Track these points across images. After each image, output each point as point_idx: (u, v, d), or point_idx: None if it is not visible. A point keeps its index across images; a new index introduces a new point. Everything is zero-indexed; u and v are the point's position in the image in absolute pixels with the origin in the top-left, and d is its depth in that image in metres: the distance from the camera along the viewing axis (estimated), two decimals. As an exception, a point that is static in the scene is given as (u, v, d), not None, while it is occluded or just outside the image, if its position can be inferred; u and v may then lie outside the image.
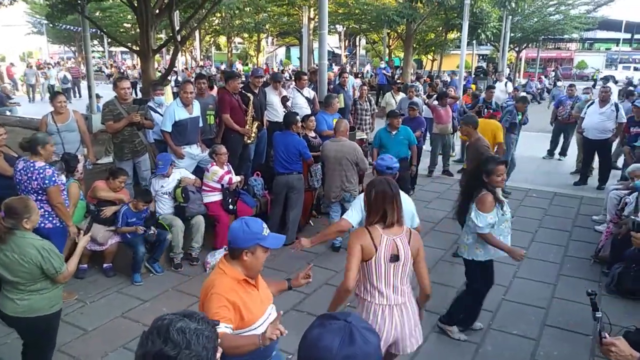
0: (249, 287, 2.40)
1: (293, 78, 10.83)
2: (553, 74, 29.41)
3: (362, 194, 3.14)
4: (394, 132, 6.80)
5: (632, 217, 3.46)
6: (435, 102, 9.46)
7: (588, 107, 8.84)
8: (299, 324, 4.39)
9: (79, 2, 9.42)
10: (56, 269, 3.16)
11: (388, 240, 2.81)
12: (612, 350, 2.13)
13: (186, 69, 23.64)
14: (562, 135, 10.52)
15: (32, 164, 4.28)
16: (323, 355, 1.30)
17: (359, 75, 21.46)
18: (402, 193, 3.72)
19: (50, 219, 4.40)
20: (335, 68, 24.09)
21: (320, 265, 5.51)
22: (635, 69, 38.35)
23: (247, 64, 32.82)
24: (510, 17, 20.54)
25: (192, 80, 7.77)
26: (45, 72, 22.65)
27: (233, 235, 2.36)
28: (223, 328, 2.16)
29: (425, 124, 8.68)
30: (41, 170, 4.27)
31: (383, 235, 2.82)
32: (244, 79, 13.11)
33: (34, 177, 4.25)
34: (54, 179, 4.29)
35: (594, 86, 23.58)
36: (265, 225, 2.40)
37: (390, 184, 2.91)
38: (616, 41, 50.80)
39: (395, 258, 2.82)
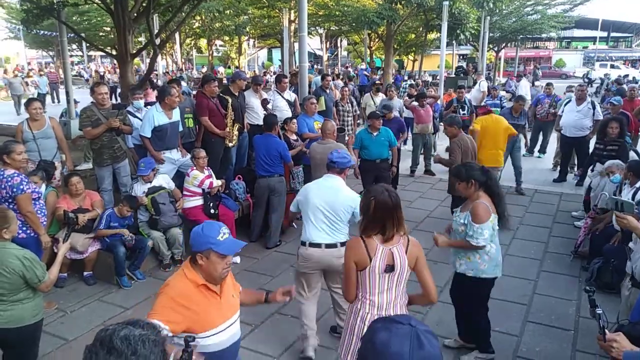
0: (209, 292, 2.37)
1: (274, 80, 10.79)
2: (538, 72, 29.44)
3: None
4: (375, 133, 6.83)
5: (614, 197, 3.43)
6: (415, 103, 9.53)
7: (565, 105, 8.98)
8: (282, 328, 4.40)
9: (55, 7, 9.27)
10: (39, 278, 3.13)
11: (384, 251, 2.70)
12: (614, 346, 2.13)
13: (167, 72, 23.40)
14: (541, 133, 10.66)
15: (1, 172, 4.23)
16: None
17: (341, 77, 21.53)
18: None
19: (24, 228, 4.33)
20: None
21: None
22: (612, 66, 39.06)
23: (229, 67, 32.65)
24: (489, 17, 20.77)
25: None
26: (34, 80, 21.19)
27: (191, 238, 2.39)
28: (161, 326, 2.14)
29: (404, 124, 8.74)
30: (9, 179, 4.22)
31: (379, 246, 2.70)
32: (225, 82, 13.05)
33: (2, 186, 4.21)
34: (21, 187, 4.22)
35: (590, 84, 23.88)
36: (225, 231, 2.37)
37: (390, 193, 2.73)
38: (593, 39, 51.74)
39: (390, 268, 2.70)
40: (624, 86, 14.54)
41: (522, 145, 8.32)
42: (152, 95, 8.15)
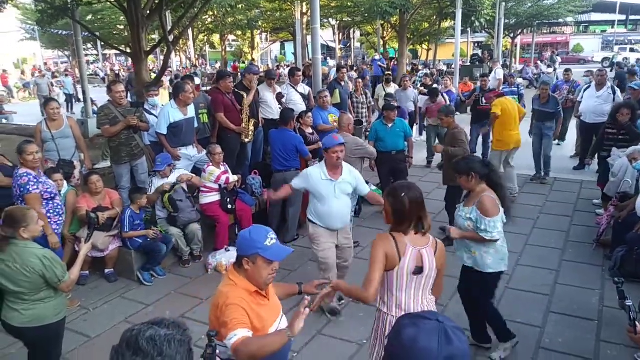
0: (261, 298, 2.37)
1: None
2: (556, 58, 28.58)
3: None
4: (390, 125, 6.77)
5: None
6: (426, 97, 9.54)
7: (585, 90, 8.80)
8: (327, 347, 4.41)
9: (69, 7, 9.35)
10: (59, 278, 3.15)
11: (413, 251, 2.63)
12: None
13: (183, 68, 23.53)
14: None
15: (16, 171, 4.31)
16: (425, 357, 1.28)
17: (355, 69, 21.40)
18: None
19: None
20: (331, 62, 24.01)
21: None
22: (632, 50, 38.19)
23: (243, 62, 32.70)
24: (504, 3, 20.45)
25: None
26: (60, 80, 21.11)
27: (237, 241, 2.38)
28: (245, 333, 2.17)
29: (405, 113, 8.74)
30: (19, 178, 4.30)
31: (409, 246, 2.63)
32: (239, 77, 13.05)
33: (14, 185, 4.30)
34: (28, 187, 4.28)
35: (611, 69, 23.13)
36: (272, 236, 2.33)
37: (417, 188, 2.71)
38: (611, 23, 50.56)
39: (419, 270, 2.64)
40: (625, 69, 14.13)
41: (551, 134, 8.14)
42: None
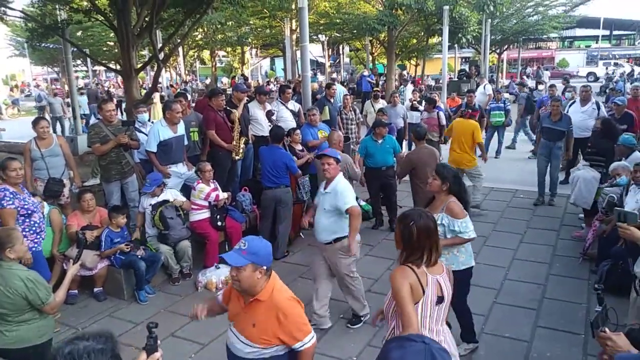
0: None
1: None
2: (542, 73, 28.94)
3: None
4: (379, 141, 6.85)
5: (617, 209, 3.45)
6: (421, 108, 9.60)
7: (570, 106, 8.97)
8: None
9: (60, 26, 9.38)
10: (42, 300, 3.12)
11: (433, 280, 2.56)
12: (608, 344, 2.17)
13: (172, 85, 23.54)
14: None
15: None
16: None
17: (344, 84, 21.57)
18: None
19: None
20: (321, 77, 24.19)
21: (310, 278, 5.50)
22: (616, 64, 38.91)
23: (234, 77, 32.82)
24: (490, 20, 20.80)
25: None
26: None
27: (264, 255, 2.53)
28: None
29: (394, 129, 8.84)
30: None
31: (429, 275, 2.55)
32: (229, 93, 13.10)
33: None
34: (3, 202, 4.28)
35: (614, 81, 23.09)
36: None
37: (429, 216, 2.63)
38: (595, 38, 51.58)
39: (440, 300, 2.56)
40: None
41: (560, 154, 7.76)
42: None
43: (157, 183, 5.67)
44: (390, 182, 6.93)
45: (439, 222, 3.68)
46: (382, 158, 6.85)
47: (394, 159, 7.02)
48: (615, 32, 54.80)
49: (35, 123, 5.87)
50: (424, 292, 2.51)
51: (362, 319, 4.61)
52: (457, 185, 3.78)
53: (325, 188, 4.45)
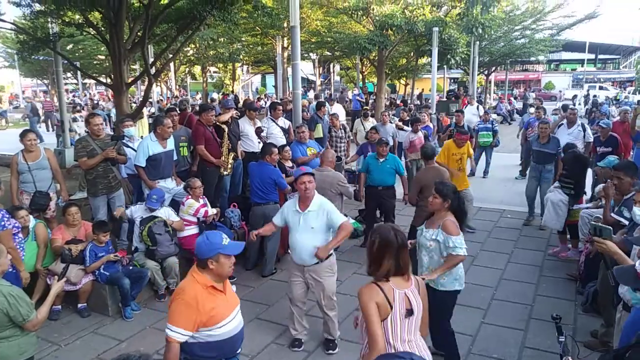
0: (216, 291, 2.81)
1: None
2: (528, 95, 29.13)
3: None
4: (381, 160, 6.84)
5: (592, 223, 3.47)
6: (408, 128, 9.66)
7: (558, 128, 9.11)
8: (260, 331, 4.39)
9: (51, 38, 9.38)
10: (23, 317, 3.06)
11: (400, 295, 2.60)
12: None
13: (161, 100, 23.48)
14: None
15: None
16: None
17: (337, 102, 21.70)
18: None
19: None
20: (311, 94, 24.32)
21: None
22: (601, 87, 39.69)
23: (225, 94, 32.88)
24: (478, 42, 21.14)
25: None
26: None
27: (198, 247, 2.80)
28: (182, 334, 2.71)
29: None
30: None
31: (395, 290, 2.59)
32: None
33: None
34: (2, 223, 4.22)
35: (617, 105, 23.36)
36: (224, 236, 2.81)
37: (396, 232, 2.66)
38: (581, 62, 52.66)
39: (409, 313, 2.61)
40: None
41: (550, 177, 7.63)
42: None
43: (163, 199, 5.65)
44: (387, 203, 6.89)
45: (434, 237, 3.79)
46: (379, 177, 6.82)
47: (394, 179, 6.94)
48: (601, 56, 56.05)
49: (22, 135, 5.83)
50: (391, 307, 2.56)
51: (335, 342, 4.51)
52: (456, 200, 3.86)
53: (304, 207, 4.32)
